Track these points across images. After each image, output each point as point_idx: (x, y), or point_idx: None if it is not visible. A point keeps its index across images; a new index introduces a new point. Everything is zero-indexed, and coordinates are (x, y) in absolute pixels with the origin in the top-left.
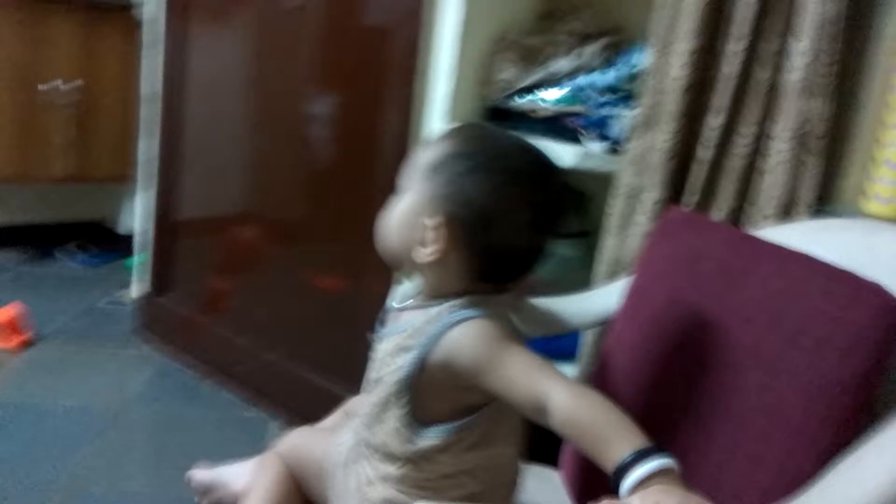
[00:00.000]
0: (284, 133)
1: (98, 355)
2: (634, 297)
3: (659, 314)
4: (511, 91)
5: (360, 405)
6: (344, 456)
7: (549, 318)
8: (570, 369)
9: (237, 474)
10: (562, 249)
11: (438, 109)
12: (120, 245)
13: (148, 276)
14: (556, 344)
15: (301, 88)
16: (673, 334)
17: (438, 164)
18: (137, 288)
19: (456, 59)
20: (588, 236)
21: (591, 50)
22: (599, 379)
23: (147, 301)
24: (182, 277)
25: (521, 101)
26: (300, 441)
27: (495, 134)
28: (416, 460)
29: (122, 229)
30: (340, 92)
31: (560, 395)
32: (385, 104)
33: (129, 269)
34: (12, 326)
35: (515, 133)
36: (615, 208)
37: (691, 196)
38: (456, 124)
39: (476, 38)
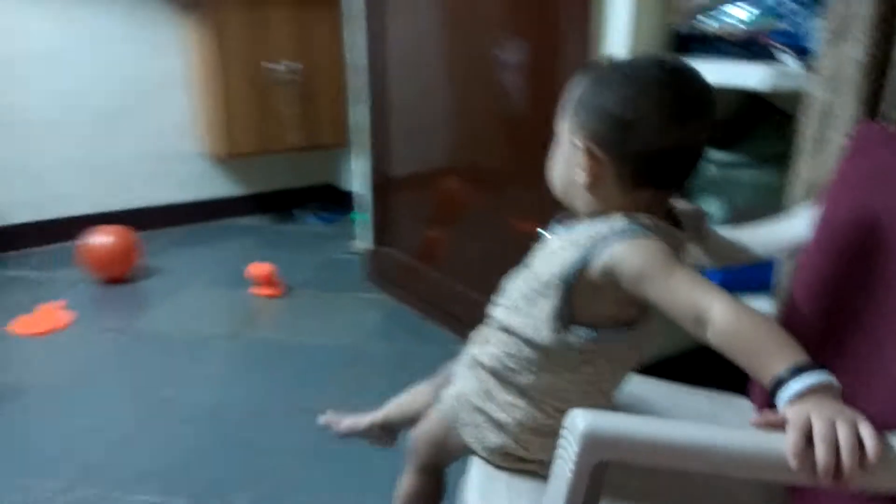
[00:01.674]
0: (479, 85)
1: (338, 301)
2: (825, 221)
3: (848, 236)
4: (698, 13)
5: (505, 290)
6: (471, 356)
7: (734, 247)
8: (765, 302)
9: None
10: (759, 176)
11: (619, 42)
12: (349, 202)
13: (370, 231)
14: (751, 274)
15: (489, 39)
16: (860, 256)
17: (579, 97)
18: (363, 242)
19: None
20: (787, 160)
21: None
22: (789, 306)
23: (372, 253)
24: (400, 229)
25: (711, 24)
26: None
27: (625, 59)
28: (551, 355)
29: (348, 189)
30: (525, 37)
31: (721, 307)
32: (566, 43)
33: (354, 224)
34: (269, 279)
35: (693, 57)
36: (808, 128)
37: (891, 110)
38: (587, 65)
39: None
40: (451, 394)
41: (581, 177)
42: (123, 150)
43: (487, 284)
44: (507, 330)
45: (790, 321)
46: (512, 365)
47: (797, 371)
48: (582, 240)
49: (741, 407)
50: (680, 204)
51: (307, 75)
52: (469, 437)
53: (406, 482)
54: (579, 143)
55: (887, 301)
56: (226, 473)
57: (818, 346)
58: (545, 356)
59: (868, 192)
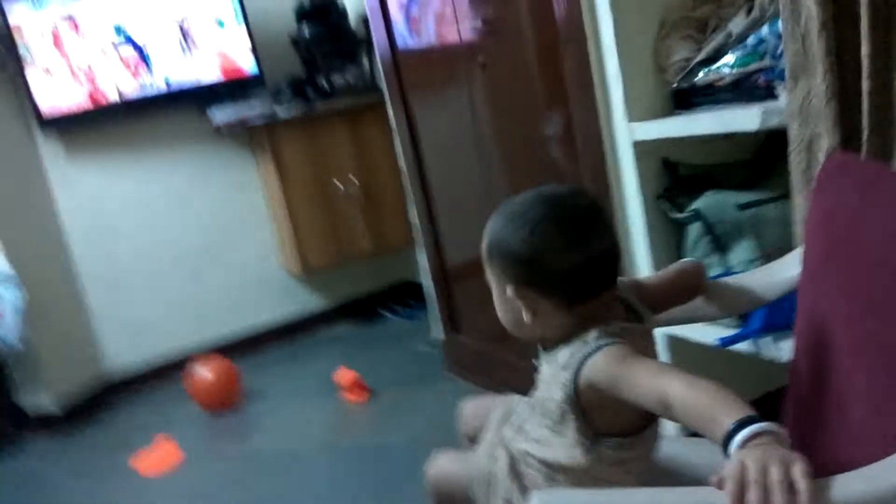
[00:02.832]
0: (509, 167)
1: (420, 395)
2: (805, 257)
3: (812, 272)
4: (690, 68)
5: (516, 420)
6: (504, 466)
7: (739, 295)
8: None
9: None
10: (787, 209)
11: (620, 111)
12: (425, 299)
13: (441, 323)
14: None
15: (507, 125)
16: (832, 290)
17: (488, 248)
18: (437, 332)
19: (622, 56)
20: None
21: None
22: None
23: (447, 342)
24: (468, 316)
25: (704, 75)
26: (447, 466)
27: (511, 201)
28: (592, 471)
29: (423, 285)
30: (541, 118)
31: (676, 387)
32: (575, 122)
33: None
34: (354, 384)
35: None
36: (794, 164)
37: (865, 135)
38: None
39: (638, 30)
40: (485, 465)
41: (525, 316)
42: (215, 286)
43: None
44: (546, 464)
45: (795, 358)
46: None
47: (742, 424)
48: (563, 362)
49: None
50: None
51: (367, 186)
52: None
53: None
54: (508, 289)
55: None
56: None
57: (809, 383)
58: (586, 474)
59: (833, 227)
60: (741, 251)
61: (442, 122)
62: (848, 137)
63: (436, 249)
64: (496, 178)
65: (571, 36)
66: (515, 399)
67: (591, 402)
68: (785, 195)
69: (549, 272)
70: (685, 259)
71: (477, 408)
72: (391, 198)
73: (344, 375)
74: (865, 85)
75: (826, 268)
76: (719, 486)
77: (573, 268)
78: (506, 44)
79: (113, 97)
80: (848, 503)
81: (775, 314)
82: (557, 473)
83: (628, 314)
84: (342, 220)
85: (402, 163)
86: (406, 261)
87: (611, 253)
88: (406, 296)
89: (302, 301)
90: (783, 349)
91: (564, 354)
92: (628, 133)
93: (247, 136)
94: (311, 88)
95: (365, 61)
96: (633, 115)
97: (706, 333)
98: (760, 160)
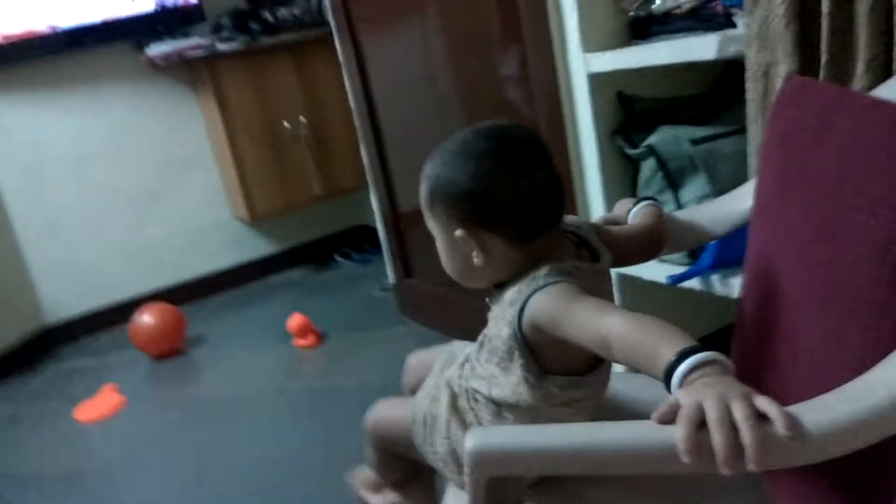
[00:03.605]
0: (462, 104)
1: (374, 338)
2: (758, 187)
3: (764, 202)
4: None
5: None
6: (439, 397)
7: (688, 230)
8: None
9: None
10: (742, 143)
11: (575, 41)
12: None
13: (392, 267)
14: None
15: (462, 60)
16: (785, 217)
17: (428, 194)
18: (391, 276)
19: None
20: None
21: None
22: (742, 285)
23: (400, 286)
24: (422, 260)
25: (661, 3)
26: (388, 410)
27: (450, 140)
28: (541, 410)
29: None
30: (494, 53)
31: (616, 325)
32: (529, 53)
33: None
34: (304, 328)
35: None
36: (750, 92)
37: (823, 59)
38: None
39: None
40: (426, 407)
41: (476, 259)
42: (159, 229)
43: None
44: (494, 402)
45: (742, 296)
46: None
47: (684, 355)
48: (510, 298)
49: None
50: (627, 203)
51: (318, 126)
52: (437, 462)
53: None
54: (457, 232)
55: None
56: None
57: (757, 322)
58: (534, 412)
59: (789, 151)
60: (694, 187)
61: (393, 59)
62: (806, 63)
63: (387, 192)
64: (450, 118)
65: None
66: (458, 344)
67: (536, 339)
68: (741, 129)
69: (500, 205)
70: (647, 202)
71: (421, 360)
72: (342, 139)
73: (294, 320)
74: (825, 5)
75: (779, 194)
76: (659, 421)
77: (523, 198)
78: None
79: (45, 29)
80: (833, 427)
81: (725, 250)
82: (505, 411)
83: (580, 252)
84: (291, 163)
85: (352, 102)
86: (360, 204)
87: (556, 183)
88: (361, 240)
89: (251, 246)
90: (734, 286)
91: (513, 291)
92: (583, 65)
93: (186, 71)
94: (255, 21)
95: None
96: (589, 45)
97: (656, 272)
98: (718, 93)
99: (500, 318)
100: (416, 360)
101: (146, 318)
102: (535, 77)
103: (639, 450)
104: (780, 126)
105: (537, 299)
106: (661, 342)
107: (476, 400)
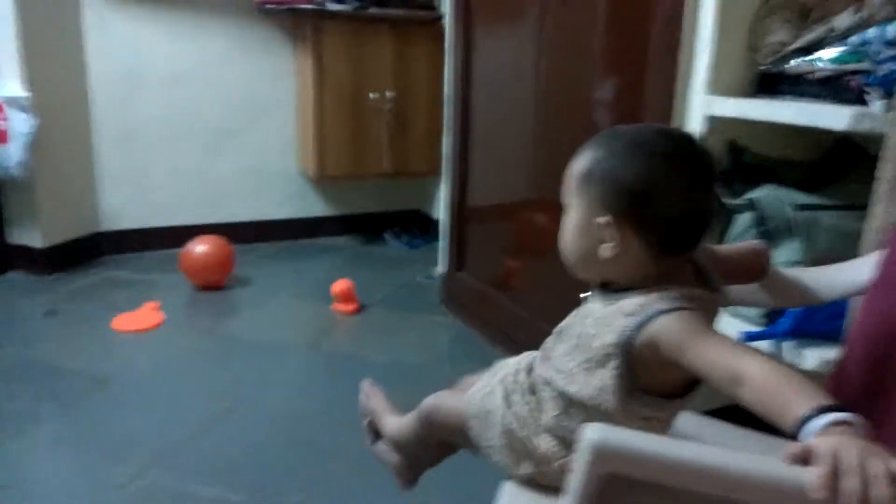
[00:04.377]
0: (564, 118)
1: (411, 321)
2: (885, 263)
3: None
4: (783, 54)
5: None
6: (514, 383)
7: (797, 288)
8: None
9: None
10: (842, 221)
11: (701, 81)
12: (435, 230)
13: (446, 257)
14: (823, 321)
15: (575, 74)
16: None
17: (588, 171)
18: (442, 266)
19: (718, 26)
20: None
21: (877, 0)
22: (846, 349)
23: (448, 277)
24: (476, 256)
25: (795, 64)
26: (445, 398)
27: (628, 129)
28: (613, 420)
29: (436, 216)
30: (610, 73)
31: (755, 366)
32: (649, 81)
33: (437, 253)
34: (347, 294)
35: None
36: (884, 172)
37: None
38: (595, 137)
39: (741, 3)
40: (479, 403)
41: (606, 250)
42: (228, 166)
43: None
44: (563, 395)
45: (845, 363)
46: (566, 424)
47: (821, 410)
48: (628, 308)
49: None
50: (740, 244)
51: (403, 104)
52: (493, 455)
53: (406, 424)
54: (601, 218)
55: None
56: (285, 474)
57: (867, 390)
58: (607, 419)
59: None
60: (788, 251)
61: (500, 57)
62: None
63: (461, 184)
64: (545, 128)
65: None
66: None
67: (643, 357)
68: (848, 206)
69: (658, 211)
70: (755, 241)
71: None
72: (421, 123)
73: (339, 284)
74: None
75: None
76: (791, 460)
77: (683, 213)
78: None
79: None
80: None
81: (807, 320)
82: (574, 409)
83: (698, 280)
84: (368, 134)
85: (447, 89)
86: (421, 191)
87: (714, 209)
88: (413, 225)
89: (311, 204)
90: (806, 357)
91: (633, 302)
92: (704, 106)
93: (291, 20)
94: None
95: None
96: (714, 88)
97: (731, 325)
98: (825, 165)
99: (605, 323)
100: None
101: (200, 246)
102: (651, 108)
103: (769, 483)
104: None
105: (665, 321)
106: (800, 392)
107: (545, 387)
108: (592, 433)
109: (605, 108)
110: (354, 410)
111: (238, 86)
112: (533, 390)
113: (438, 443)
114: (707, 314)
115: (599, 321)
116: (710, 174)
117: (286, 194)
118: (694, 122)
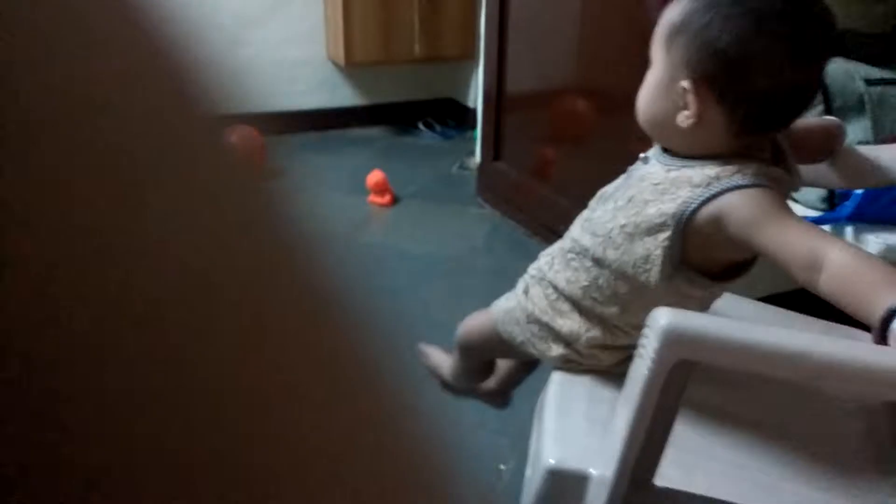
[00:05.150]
0: (607, 3)
1: (447, 212)
2: None
3: None
4: None
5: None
6: (539, 272)
7: (871, 167)
8: None
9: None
10: None
11: None
12: (469, 119)
13: (481, 147)
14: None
15: None
16: None
17: (679, 24)
18: (478, 156)
19: None
20: None
21: None
22: None
23: (485, 167)
24: (513, 146)
25: None
26: (474, 318)
27: None
28: (648, 294)
29: (470, 104)
30: None
31: (835, 251)
32: None
33: (475, 140)
34: (382, 186)
35: None
36: None
37: None
38: None
39: None
40: (502, 306)
41: (684, 117)
42: (256, 55)
43: None
44: (598, 262)
45: None
46: (596, 296)
47: None
48: (697, 179)
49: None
50: (811, 120)
51: None
52: (527, 348)
53: (454, 361)
54: (685, 83)
55: None
56: None
57: None
58: (640, 294)
59: None
60: (855, 130)
61: None
62: None
63: (498, 69)
64: (590, 16)
65: None
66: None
67: (701, 231)
68: None
69: (751, 85)
70: (826, 117)
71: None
72: (455, 5)
73: (374, 176)
74: None
75: None
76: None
77: (781, 91)
78: None
79: None
80: None
81: (870, 204)
82: (605, 278)
83: (775, 158)
84: (398, 17)
85: None
86: (454, 77)
87: (816, 88)
88: (446, 114)
89: (340, 93)
90: (868, 242)
91: (704, 173)
92: None
93: None
94: None
95: None
96: None
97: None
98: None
99: (664, 190)
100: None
101: (232, 136)
102: None
103: (862, 367)
104: None
105: (738, 197)
106: (889, 284)
107: (576, 257)
108: (663, 318)
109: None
110: (397, 301)
111: None
112: (547, 276)
113: (485, 364)
114: (783, 195)
115: (658, 187)
116: (824, 43)
117: (315, 83)
118: None
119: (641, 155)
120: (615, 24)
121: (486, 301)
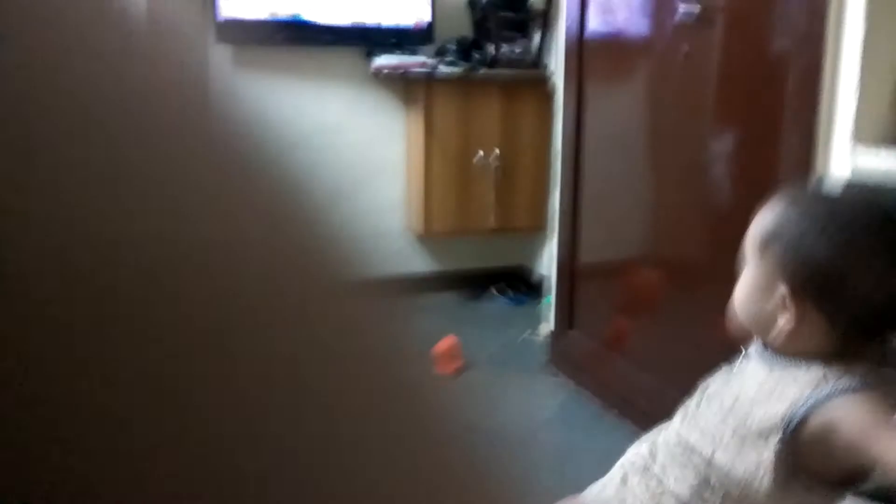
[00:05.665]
0: (680, 176)
1: (516, 382)
2: None
3: None
4: None
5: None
6: (649, 458)
7: None
8: None
9: None
10: None
11: (843, 135)
12: (537, 288)
13: (555, 315)
14: None
15: (694, 130)
16: None
17: (775, 232)
18: (548, 325)
19: (863, 75)
20: None
21: None
22: None
23: (556, 336)
24: (587, 315)
25: None
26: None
27: (822, 192)
28: (760, 500)
29: (538, 274)
30: (735, 129)
31: None
32: (783, 135)
33: (543, 309)
34: (450, 354)
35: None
36: None
37: None
38: (785, 193)
39: (886, 51)
40: (598, 494)
41: (783, 322)
42: (342, 225)
43: (675, 379)
44: (708, 463)
45: None
46: (707, 496)
47: None
48: (803, 379)
49: None
50: None
51: (509, 162)
52: None
53: None
54: (784, 289)
55: None
56: None
57: None
58: (753, 499)
59: None
60: None
61: (615, 114)
62: None
63: (572, 240)
64: (662, 188)
65: (807, 44)
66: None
67: (815, 437)
68: None
69: (847, 295)
70: None
71: None
72: (528, 179)
73: (445, 342)
74: None
75: None
76: None
77: (879, 298)
78: (718, 37)
79: (289, 14)
80: None
81: None
82: (718, 480)
83: (885, 357)
84: (475, 191)
85: (557, 145)
86: (526, 247)
87: None
88: (517, 282)
89: (415, 261)
90: None
91: (811, 373)
92: (850, 158)
93: (403, 85)
94: (477, 52)
95: (536, 35)
96: (861, 138)
97: None
98: None
99: (770, 391)
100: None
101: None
102: (787, 161)
103: None
104: None
105: (848, 403)
106: None
107: (684, 453)
108: None
109: (728, 168)
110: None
111: (351, 150)
112: (652, 469)
113: None
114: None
115: (763, 387)
116: None
117: (392, 252)
118: (839, 175)
119: (744, 351)
120: (685, 198)
121: (558, 485)
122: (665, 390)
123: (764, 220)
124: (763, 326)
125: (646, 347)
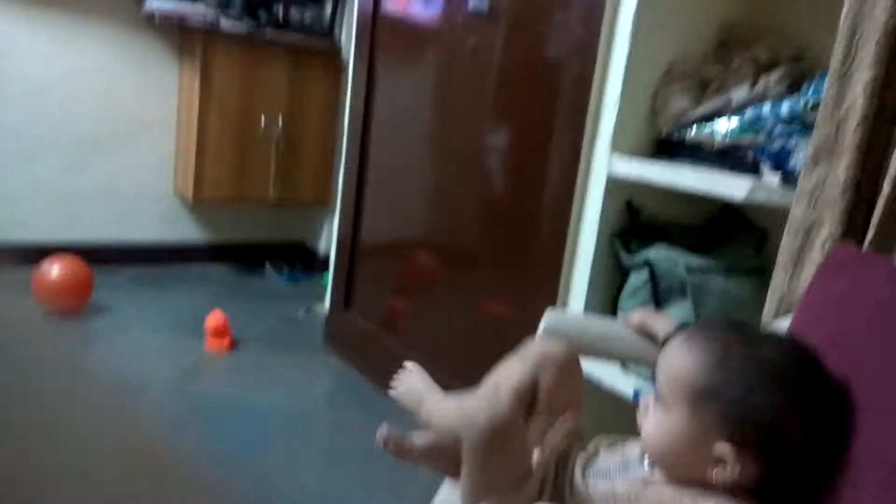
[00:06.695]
0: (460, 165)
1: (290, 361)
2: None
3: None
4: (684, 122)
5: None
6: None
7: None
8: None
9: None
10: (729, 285)
11: (606, 141)
12: (319, 264)
13: (331, 294)
14: None
15: (476, 122)
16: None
17: (710, 390)
18: (326, 303)
19: (624, 90)
20: (763, 274)
21: (772, 77)
22: None
23: (333, 315)
24: (363, 295)
25: (694, 133)
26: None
27: (748, 341)
28: None
29: (321, 250)
30: (513, 126)
31: None
32: (555, 137)
33: (324, 286)
34: (222, 329)
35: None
36: (786, 244)
37: (871, 234)
38: (700, 324)
39: (646, 69)
40: None
41: (718, 474)
42: (96, 182)
43: (444, 361)
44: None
45: None
46: None
47: None
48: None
49: None
50: (668, 323)
51: (293, 132)
52: None
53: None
54: (726, 448)
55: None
56: None
57: None
58: None
59: (832, 315)
60: (678, 311)
61: (404, 99)
62: (852, 231)
63: (354, 219)
64: (443, 175)
65: (581, 53)
66: None
67: None
68: (729, 269)
69: (785, 450)
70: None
71: None
72: (313, 152)
73: (214, 318)
74: (886, 188)
75: (827, 352)
76: None
77: (808, 459)
78: (504, 35)
79: None
80: None
81: None
82: None
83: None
84: (254, 159)
85: (345, 121)
86: (308, 222)
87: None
88: (297, 257)
89: (184, 229)
90: None
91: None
92: (607, 165)
93: (178, 35)
94: (265, 11)
95: (328, 4)
96: (618, 147)
97: (623, 381)
98: (712, 231)
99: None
100: None
101: (55, 268)
102: (554, 164)
103: None
104: (828, 289)
105: None
106: None
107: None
108: None
109: (503, 162)
110: (228, 464)
111: (115, 99)
112: None
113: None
114: None
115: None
116: (834, 419)
117: (158, 215)
118: (596, 181)
119: (638, 452)
120: (463, 186)
121: (332, 461)
122: (433, 371)
123: (689, 370)
124: (684, 469)
125: (417, 328)
